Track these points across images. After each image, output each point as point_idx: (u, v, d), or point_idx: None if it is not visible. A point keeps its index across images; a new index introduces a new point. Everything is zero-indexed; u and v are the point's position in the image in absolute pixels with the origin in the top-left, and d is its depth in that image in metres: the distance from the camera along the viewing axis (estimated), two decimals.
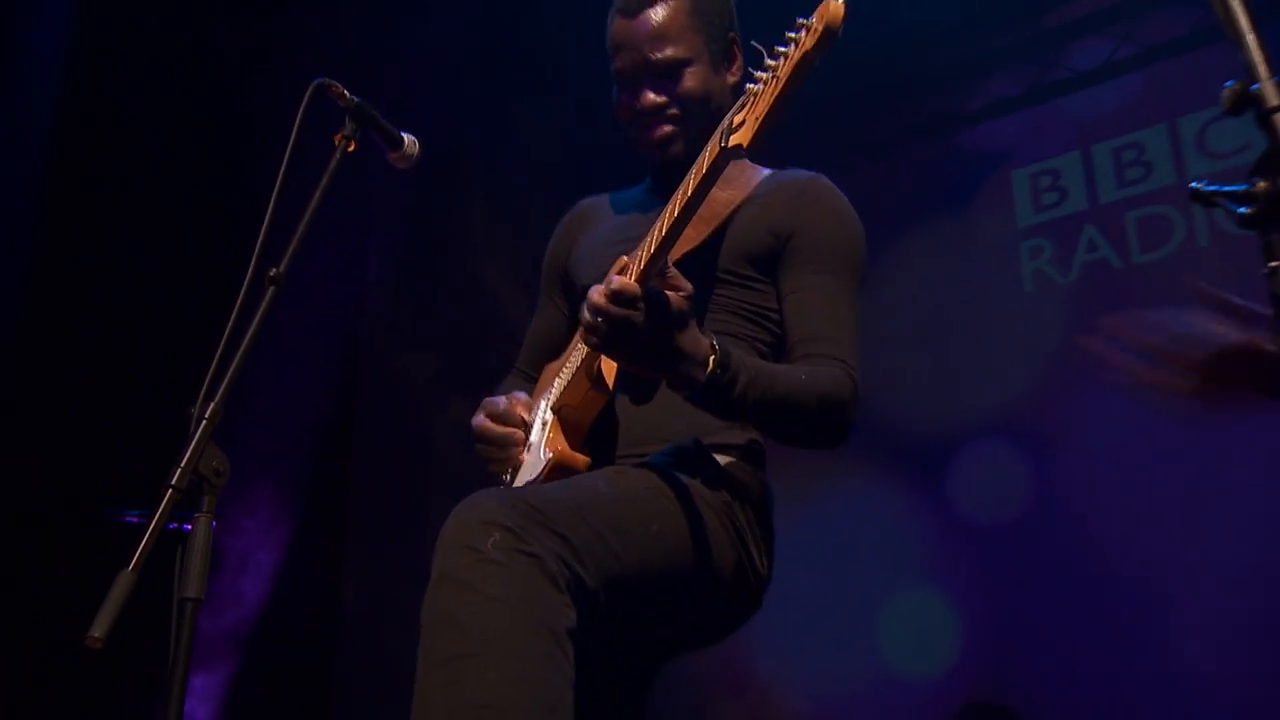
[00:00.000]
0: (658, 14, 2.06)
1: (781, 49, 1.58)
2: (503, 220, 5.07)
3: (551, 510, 1.64)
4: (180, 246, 4.51)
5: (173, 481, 1.72)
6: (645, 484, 1.82)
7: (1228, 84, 1.22)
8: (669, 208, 1.75)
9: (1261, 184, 1.17)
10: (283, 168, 1.94)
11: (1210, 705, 4.06)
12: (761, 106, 1.60)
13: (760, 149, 1.63)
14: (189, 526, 1.77)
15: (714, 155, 1.67)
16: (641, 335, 1.62)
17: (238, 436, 5.06)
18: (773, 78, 1.59)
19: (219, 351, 1.78)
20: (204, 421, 1.72)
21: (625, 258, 1.88)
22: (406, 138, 2.18)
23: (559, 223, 2.39)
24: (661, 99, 2.08)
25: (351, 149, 2.09)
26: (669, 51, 2.06)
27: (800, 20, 1.57)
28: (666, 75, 2.07)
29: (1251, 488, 4.07)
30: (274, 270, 1.86)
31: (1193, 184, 1.27)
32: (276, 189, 1.91)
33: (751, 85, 1.62)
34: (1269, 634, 3.93)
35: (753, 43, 1.81)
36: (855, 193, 5.47)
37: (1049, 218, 5.19)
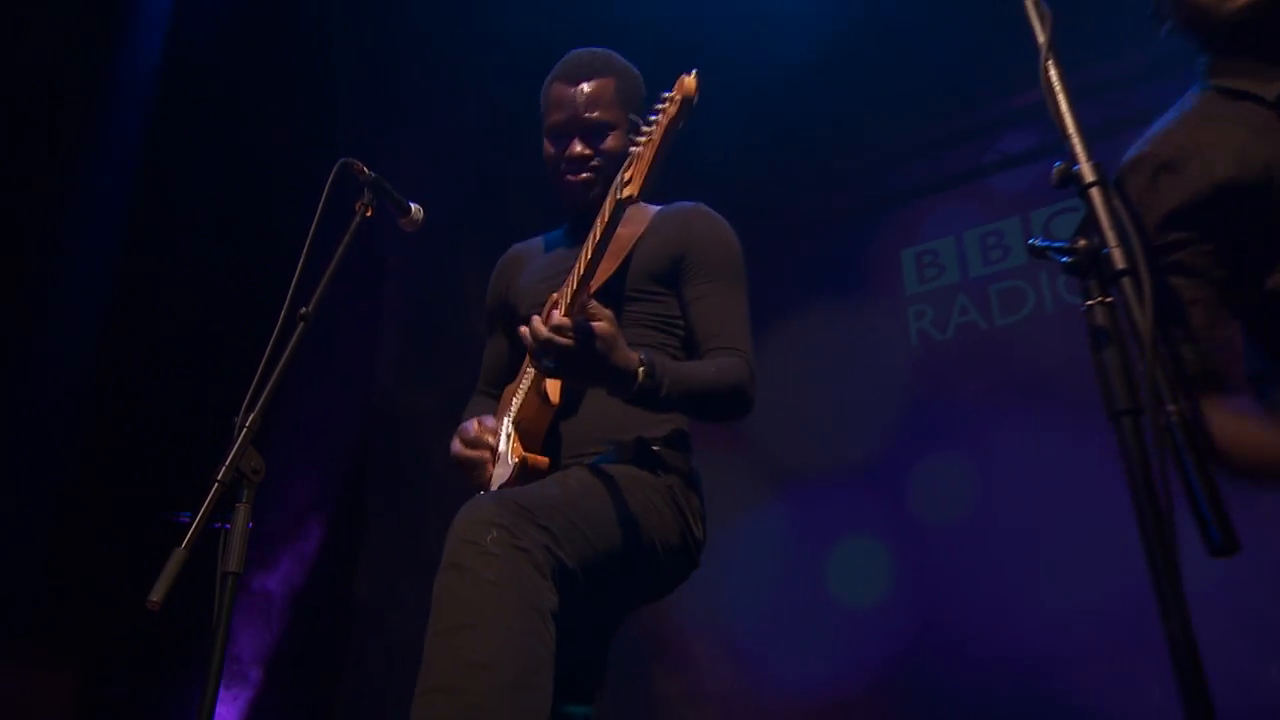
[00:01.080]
0: (591, 85, 2.10)
1: (653, 117, 1.68)
2: (486, 280, 5.07)
3: (536, 508, 1.67)
4: (232, 297, 4.53)
5: (219, 477, 1.73)
6: (605, 478, 1.84)
7: (1056, 164, 1.26)
8: (583, 251, 1.79)
9: (1081, 241, 1.21)
10: (313, 227, 1.98)
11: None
12: (642, 165, 1.67)
13: (646, 196, 1.70)
14: (228, 525, 1.79)
15: (612, 207, 1.74)
16: (577, 358, 1.65)
17: (273, 454, 5.05)
18: (649, 141, 1.67)
19: (259, 372, 1.80)
20: (245, 429, 1.74)
21: (555, 294, 1.91)
22: (414, 206, 2.21)
23: (495, 266, 2.38)
24: (588, 151, 2.09)
25: (369, 214, 2.12)
26: (598, 114, 2.09)
27: (664, 94, 1.67)
28: (593, 133, 2.09)
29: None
30: (304, 309, 1.88)
31: (1030, 240, 1.29)
32: (307, 244, 1.95)
33: (634, 148, 1.70)
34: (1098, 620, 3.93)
35: (632, 116, 2.03)
36: (777, 265, 5.49)
37: (930, 288, 5.26)
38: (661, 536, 1.88)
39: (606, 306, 1.83)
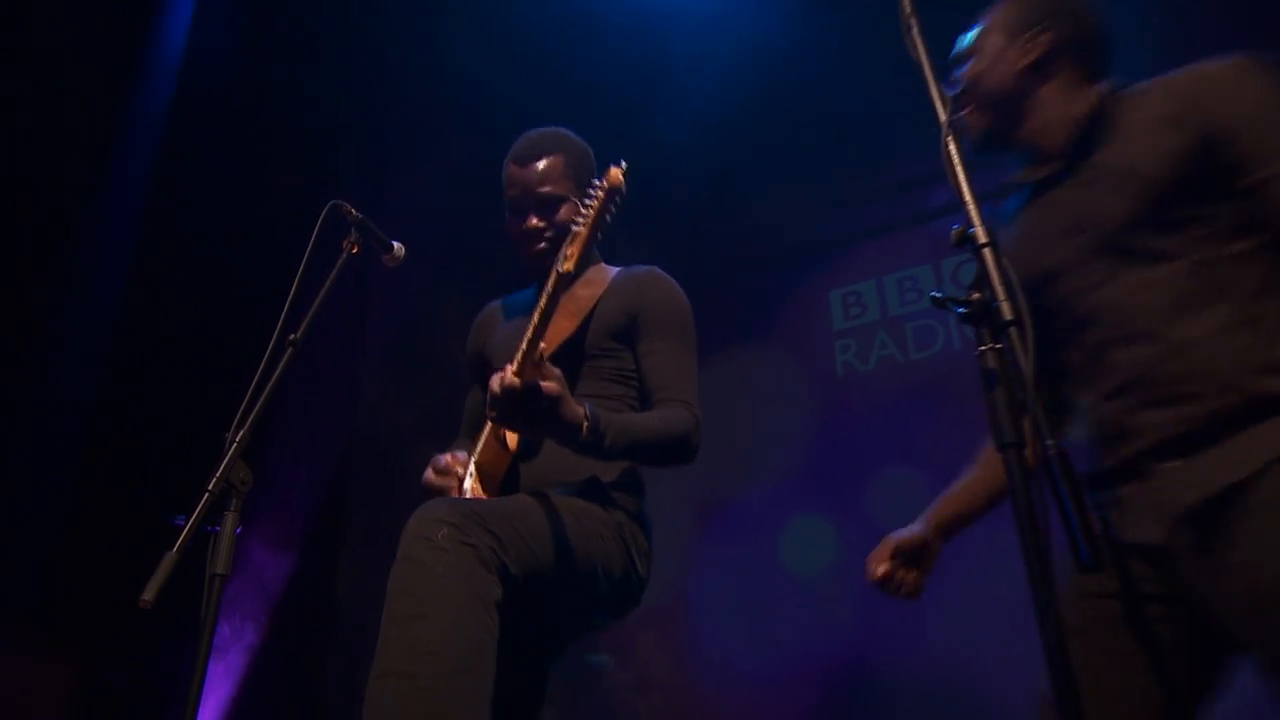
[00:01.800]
0: (541, 164, 2.11)
1: (589, 201, 1.74)
2: (468, 311, 5.06)
3: (486, 514, 1.67)
4: (232, 322, 4.49)
5: (209, 487, 1.71)
6: (558, 505, 1.83)
7: (955, 226, 1.29)
8: (534, 317, 1.78)
9: (975, 294, 1.24)
10: (303, 262, 1.96)
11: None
12: (579, 244, 1.72)
13: (583, 268, 1.82)
14: (218, 527, 1.76)
15: (554, 280, 1.75)
16: (524, 413, 1.65)
17: (262, 464, 4.99)
18: (585, 223, 1.73)
19: (249, 392, 1.78)
20: (234, 444, 1.72)
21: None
22: (396, 245, 2.20)
23: (473, 322, 2.38)
24: (541, 224, 2.10)
25: (355, 251, 2.10)
26: (548, 190, 2.09)
27: (596, 183, 1.73)
28: (545, 207, 2.10)
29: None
30: (293, 335, 1.87)
31: (933, 293, 1.33)
32: (297, 277, 1.95)
33: (575, 227, 1.74)
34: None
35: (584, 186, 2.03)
36: (721, 303, 5.46)
37: (854, 324, 5.30)
38: (604, 564, 1.85)
39: (572, 361, 1.87)
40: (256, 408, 1.79)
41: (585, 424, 1.71)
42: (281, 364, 1.86)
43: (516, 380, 1.64)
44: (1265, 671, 1.37)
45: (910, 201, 5.23)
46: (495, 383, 1.66)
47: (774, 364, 5.26)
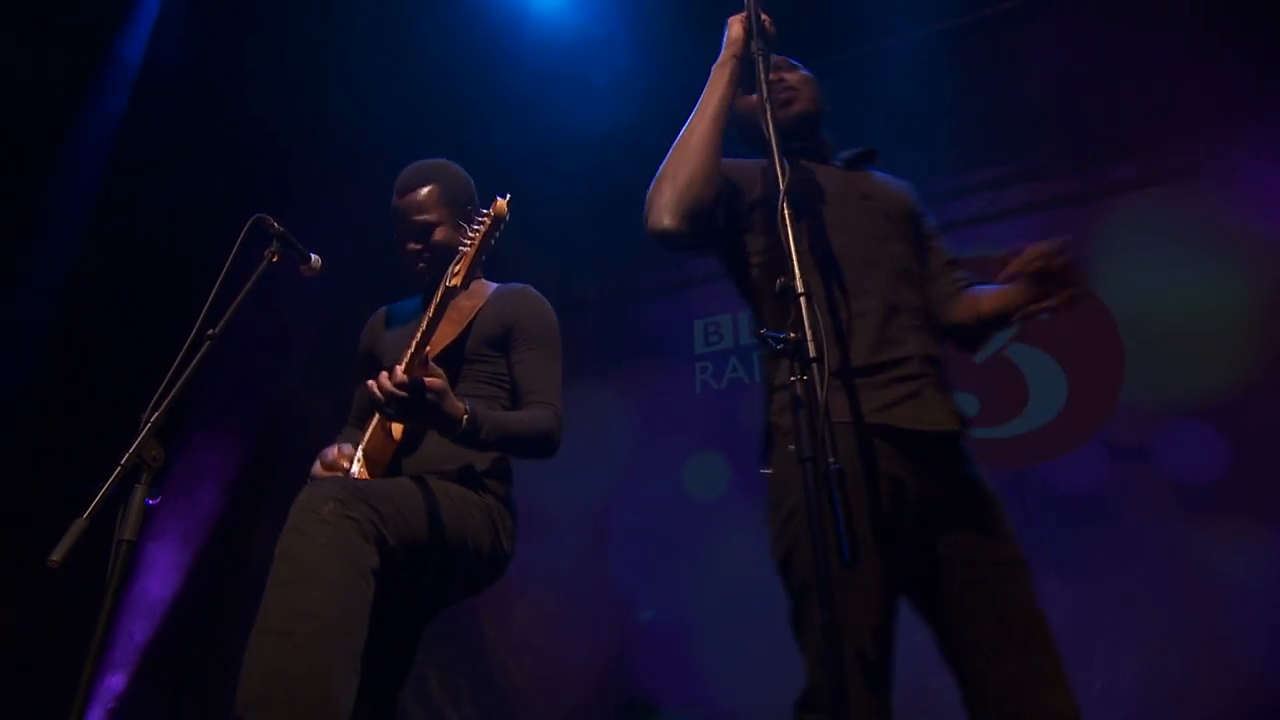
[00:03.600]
0: (418, 195, 2.07)
1: (476, 226, 1.74)
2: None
3: (369, 491, 1.64)
4: (165, 318, 4.27)
5: (122, 460, 1.62)
6: (435, 488, 1.80)
7: (779, 279, 1.31)
8: (422, 322, 1.77)
9: (792, 335, 1.27)
10: (225, 266, 1.89)
11: None
12: (465, 263, 1.72)
13: (468, 283, 1.77)
14: (152, 501, 1.68)
15: (442, 293, 1.75)
16: (412, 406, 1.64)
17: (192, 440, 4.76)
18: (471, 246, 1.73)
19: (166, 380, 1.71)
20: (148, 424, 1.64)
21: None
22: (313, 256, 2.13)
23: (365, 324, 2.30)
24: (418, 247, 2.08)
25: (275, 260, 2.03)
26: (423, 217, 2.07)
27: (483, 210, 1.74)
28: (421, 233, 2.07)
29: None
30: (211, 330, 1.80)
31: (760, 329, 1.37)
32: (219, 279, 1.86)
33: (462, 247, 1.74)
34: None
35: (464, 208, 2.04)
36: (597, 329, 5.48)
37: (712, 350, 5.34)
38: (474, 540, 1.82)
39: (453, 363, 1.86)
40: (172, 393, 1.71)
41: (465, 416, 1.70)
42: (198, 356, 1.78)
43: (405, 377, 1.62)
44: None
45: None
46: (384, 380, 1.63)
47: (642, 383, 5.28)
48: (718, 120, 1.72)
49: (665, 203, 1.66)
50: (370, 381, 1.66)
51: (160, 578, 4.77)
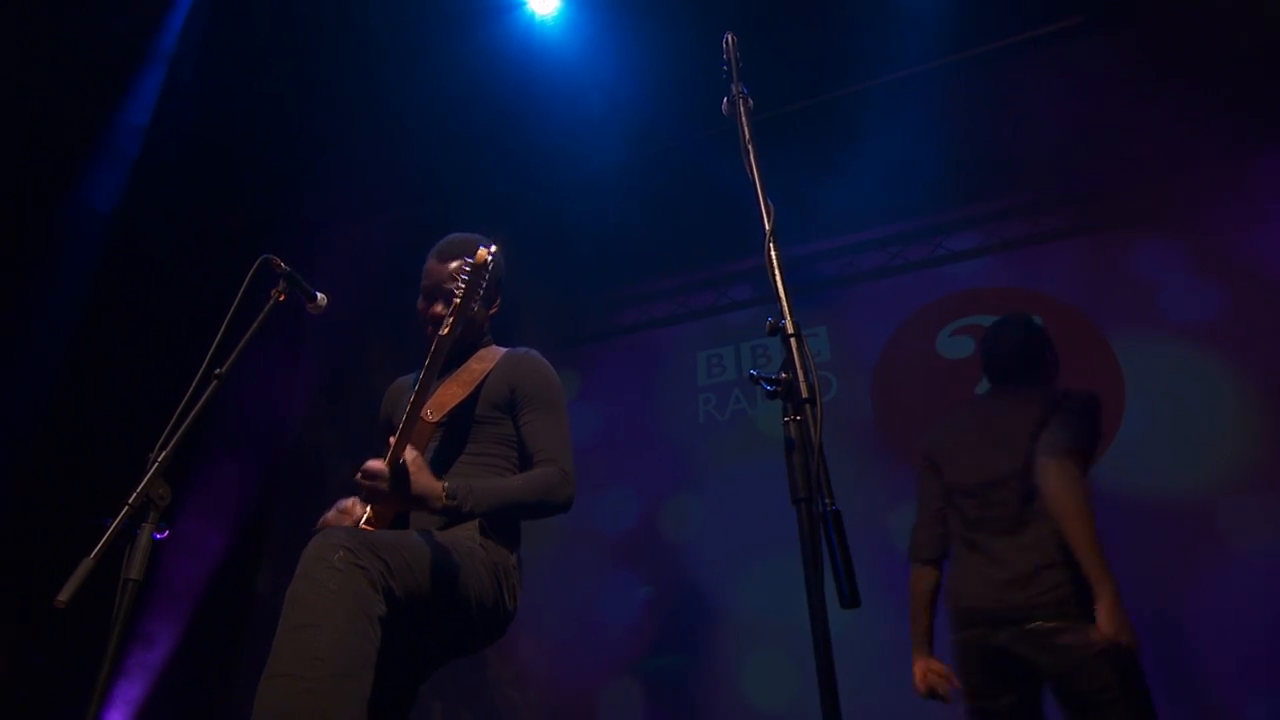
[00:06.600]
0: (456, 263, 2.05)
1: (463, 278, 1.81)
2: (387, 349, 4.98)
3: (379, 543, 1.63)
4: (175, 355, 4.30)
5: (129, 500, 1.63)
6: (444, 542, 1.79)
7: (769, 319, 1.32)
8: (412, 394, 1.81)
9: (783, 375, 1.27)
10: (233, 306, 1.90)
11: None
12: (454, 311, 1.80)
13: (459, 332, 1.83)
14: (159, 535, 1.69)
15: (436, 344, 1.80)
16: (386, 493, 1.71)
17: (201, 471, 4.77)
18: (460, 293, 1.81)
19: (174, 419, 1.72)
20: (155, 463, 1.65)
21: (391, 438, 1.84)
22: (319, 295, 2.14)
23: (385, 393, 2.31)
24: (444, 311, 2.05)
25: (283, 299, 2.04)
26: (450, 285, 2.05)
27: (467, 259, 1.80)
28: (450, 299, 2.04)
29: None
30: (218, 370, 1.80)
31: (750, 371, 1.34)
32: (227, 319, 1.87)
33: (454, 297, 1.81)
34: None
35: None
36: (609, 361, 5.46)
37: (715, 381, 5.35)
38: (478, 595, 1.81)
39: (463, 425, 1.91)
40: (179, 433, 1.72)
41: (444, 496, 1.74)
42: (206, 395, 1.79)
43: (382, 468, 1.69)
44: None
45: (768, 284, 5.35)
46: (364, 470, 1.70)
47: (646, 411, 5.29)
48: None
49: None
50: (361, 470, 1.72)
51: (165, 612, 4.75)
